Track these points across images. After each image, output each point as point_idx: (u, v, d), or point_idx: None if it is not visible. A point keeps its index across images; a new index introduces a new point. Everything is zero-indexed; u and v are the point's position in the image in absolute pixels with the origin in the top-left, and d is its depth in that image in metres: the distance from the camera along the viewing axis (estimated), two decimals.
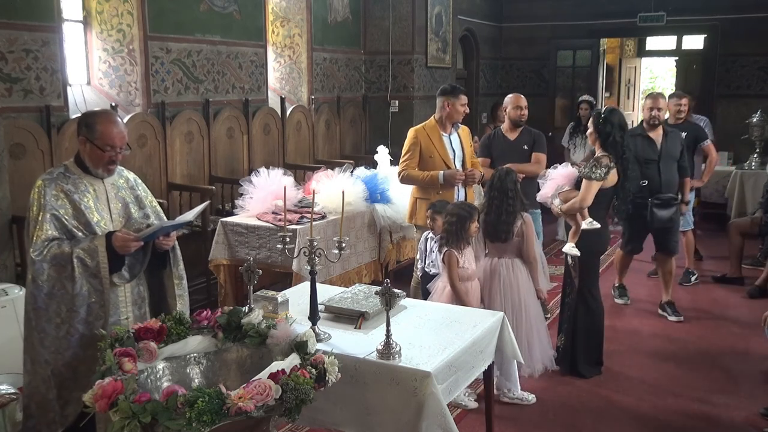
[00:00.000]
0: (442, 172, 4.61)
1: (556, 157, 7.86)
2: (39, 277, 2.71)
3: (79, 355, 2.78)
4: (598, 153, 4.20)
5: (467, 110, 4.77)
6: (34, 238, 2.71)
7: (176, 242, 3.06)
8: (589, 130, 4.30)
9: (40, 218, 2.73)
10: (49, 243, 2.72)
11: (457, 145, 4.77)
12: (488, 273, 3.98)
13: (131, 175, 3.09)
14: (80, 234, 2.79)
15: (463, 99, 4.71)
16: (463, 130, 4.89)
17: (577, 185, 4.23)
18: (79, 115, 4.99)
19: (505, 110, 5.45)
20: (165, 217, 3.18)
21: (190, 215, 3.14)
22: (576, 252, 4.18)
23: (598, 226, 4.17)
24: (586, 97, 8.33)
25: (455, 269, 3.73)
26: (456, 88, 4.77)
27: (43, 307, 2.74)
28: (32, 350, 2.84)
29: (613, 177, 4.13)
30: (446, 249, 3.77)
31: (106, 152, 2.82)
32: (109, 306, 2.82)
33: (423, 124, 4.84)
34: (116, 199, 2.94)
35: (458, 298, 3.72)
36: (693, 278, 6.24)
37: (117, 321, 2.85)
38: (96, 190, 2.88)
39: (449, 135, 4.76)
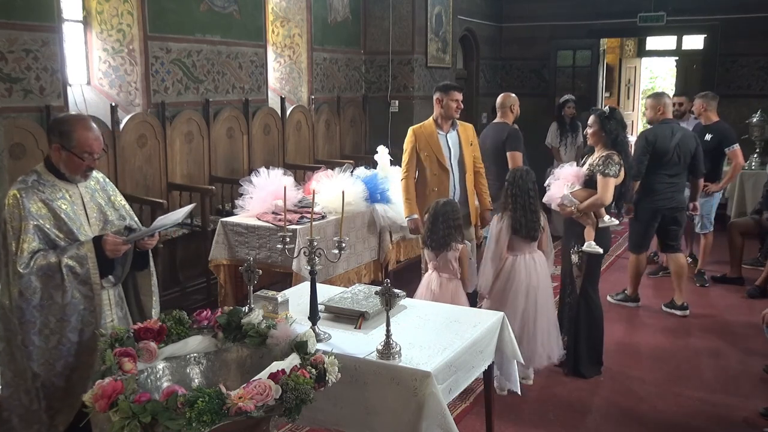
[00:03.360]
0: (413, 216, 4.70)
1: (546, 156, 7.91)
2: (27, 291, 2.66)
3: (71, 364, 2.76)
4: (604, 152, 4.19)
5: (461, 106, 4.77)
6: (19, 252, 2.65)
7: None
8: (590, 130, 4.28)
9: (23, 229, 2.66)
10: (34, 255, 2.67)
11: (455, 143, 4.78)
12: (507, 270, 4.06)
13: (100, 175, 3.04)
14: (62, 243, 2.74)
15: (455, 95, 4.71)
16: (465, 128, 4.88)
17: (585, 184, 4.22)
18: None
19: (511, 108, 5.60)
20: (135, 216, 3.14)
21: (178, 215, 3.06)
22: (599, 250, 4.20)
23: (617, 222, 4.25)
24: (571, 96, 8.36)
25: (467, 262, 3.87)
26: (448, 85, 4.80)
27: (31, 319, 2.69)
28: (13, 363, 2.78)
29: (621, 174, 4.17)
30: (461, 245, 3.87)
31: (84, 160, 2.78)
32: (99, 311, 2.80)
33: (422, 123, 4.86)
34: (92, 203, 2.90)
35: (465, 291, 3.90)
36: (706, 277, 6.30)
37: (103, 324, 2.82)
38: (72, 195, 2.83)
39: (446, 133, 4.76)
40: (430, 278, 3.98)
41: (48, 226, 2.71)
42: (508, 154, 5.39)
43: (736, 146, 6.06)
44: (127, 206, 3.10)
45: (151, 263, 3.09)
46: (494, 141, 5.54)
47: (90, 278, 2.73)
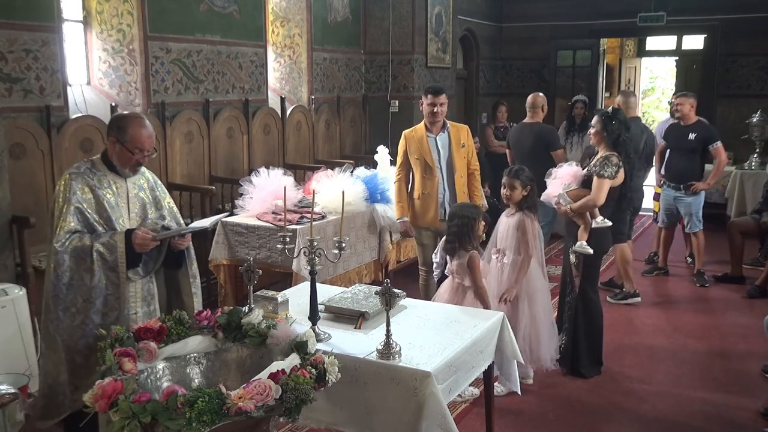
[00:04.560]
0: (404, 218, 4.77)
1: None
2: (59, 267, 2.82)
3: (92, 345, 2.85)
4: (605, 152, 4.19)
5: (436, 110, 4.67)
6: (58, 229, 2.83)
7: (191, 243, 3.19)
8: (593, 130, 4.29)
9: (64, 210, 2.84)
10: (71, 235, 2.84)
11: (444, 145, 4.75)
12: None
13: (151, 175, 3.21)
14: (101, 228, 2.91)
15: (431, 98, 4.65)
16: (458, 129, 4.83)
17: (583, 184, 4.22)
18: (80, 114, 5.03)
19: (542, 108, 6.04)
20: (180, 217, 3.28)
21: (206, 222, 3.24)
22: (589, 250, 4.18)
23: (610, 224, 4.26)
24: (581, 96, 8.39)
25: (479, 271, 3.74)
26: (428, 88, 4.76)
27: (61, 296, 2.85)
28: (48, 336, 2.94)
29: (621, 175, 4.17)
30: (469, 251, 3.76)
31: (134, 155, 2.96)
32: (124, 299, 2.93)
33: (414, 126, 4.88)
34: (135, 199, 3.06)
35: (483, 300, 3.74)
36: (706, 276, 6.30)
37: (127, 315, 2.95)
38: (118, 188, 3.01)
39: (436, 136, 4.75)
40: (445, 282, 3.96)
41: (89, 211, 2.90)
42: (553, 153, 5.87)
43: (719, 143, 6.07)
44: (175, 208, 3.27)
45: (194, 266, 3.22)
46: (536, 142, 5.91)
47: (117, 266, 2.88)
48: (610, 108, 4.38)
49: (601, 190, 4.10)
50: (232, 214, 5.17)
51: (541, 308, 4.11)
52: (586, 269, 4.26)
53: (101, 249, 2.84)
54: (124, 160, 2.98)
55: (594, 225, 4.20)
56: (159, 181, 3.24)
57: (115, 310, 2.92)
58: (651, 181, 7.04)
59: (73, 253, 2.83)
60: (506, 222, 4.12)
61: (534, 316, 4.08)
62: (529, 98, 6.11)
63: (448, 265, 3.91)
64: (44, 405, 3.02)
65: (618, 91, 12.60)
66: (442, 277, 4.23)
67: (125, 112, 3.54)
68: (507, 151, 6.38)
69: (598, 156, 4.28)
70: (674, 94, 6.47)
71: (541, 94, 6.17)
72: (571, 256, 4.28)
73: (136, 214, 3.05)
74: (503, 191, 4.11)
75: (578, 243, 4.20)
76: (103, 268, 2.86)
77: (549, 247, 7.49)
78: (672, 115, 6.42)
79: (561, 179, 4.31)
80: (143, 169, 3.12)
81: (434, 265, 4.28)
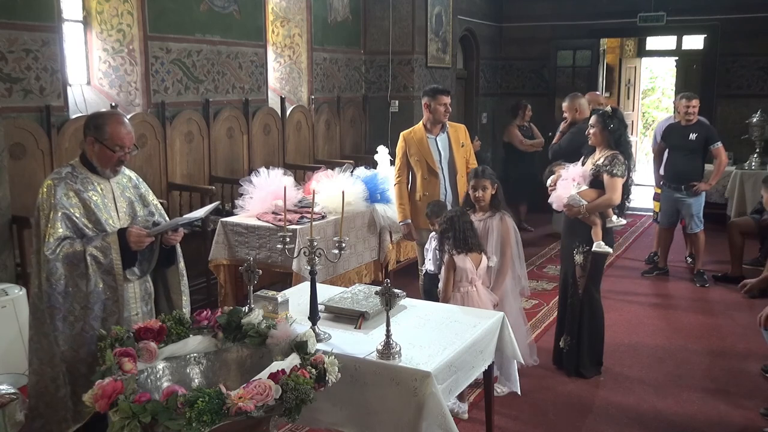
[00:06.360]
0: (407, 221, 4.75)
1: (547, 155, 7.91)
2: (52, 276, 2.74)
3: (94, 351, 2.78)
4: (607, 151, 4.15)
5: (449, 110, 4.73)
6: (47, 237, 2.74)
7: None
8: (592, 129, 4.24)
9: (51, 217, 2.76)
10: (61, 242, 2.75)
11: (445, 145, 4.76)
12: None
13: (132, 174, 3.14)
14: (90, 232, 2.83)
15: (443, 99, 4.67)
16: (456, 128, 4.84)
17: (591, 184, 4.19)
18: (80, 114, 5.02)
19: (576, 110, 6.15)
20: (166, 215, 3.23)
21: (200, 212, 3.19)
22: (609, 249, 4.17)
23: (625, 222, 4.22)
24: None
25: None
26: (435, 89, 4.76)
27: (56, 305, 2.77)
28: (40, 350, 2.85)
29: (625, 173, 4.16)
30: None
31: (115, 153, 2.88)
32: (123, 302, 2.87)
33: (412, 128, 4.86)
34: (122, 198, 2.99)
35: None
36: (706, 277, 6.30)
37: (128, 317, 2.90)
38: (103, 189, 2.93)
39: (436, 137, 4.75)
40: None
41: (77, 215, 2.81)
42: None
43: (720, 144, 6.08)
44: (159, 206, 3.19)
45: (182, 264, 3.16)
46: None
47: (113, 268, 2.81)
48: (608, 108, 4.34)
49: (616, 190, 4.08)
50: (224, 207, 5.16)
51: (509, 309, 3.94)
52: (593, 270, 4.25)
53: (95, 252, 2.77)
54: (105, 159, 2.88)
55: (609, 224, 4.18)
56: (141, 179, 3.17)
57: (115, 314, 2.84)
58: (650, 181, 7.02)
59: (65, 260, 2.74)
60: (482, 225, 3.98)
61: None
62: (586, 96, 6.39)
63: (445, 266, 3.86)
64: (42, 426, 2.89)
65: (618, 91, 12.61)
66: (430, 276, 4.17)
67: (101, 111, 3.41)
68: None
69: (598, 155, 4.24)
70: (680, 96, 6.35)
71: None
72: (577, 257, 4.25)
73: (125, 213, 2.98)
74: (474, 194, 3.97)
75: (596, 243, 4.14)
76: (98, 272, 2.78)
77: (549, 247, 7.50)
78: (683, 117, 6.26)
79: (568, 181, 4.24)
80: (124, 168, 3.04)
81: (423, 266, 4.22)
